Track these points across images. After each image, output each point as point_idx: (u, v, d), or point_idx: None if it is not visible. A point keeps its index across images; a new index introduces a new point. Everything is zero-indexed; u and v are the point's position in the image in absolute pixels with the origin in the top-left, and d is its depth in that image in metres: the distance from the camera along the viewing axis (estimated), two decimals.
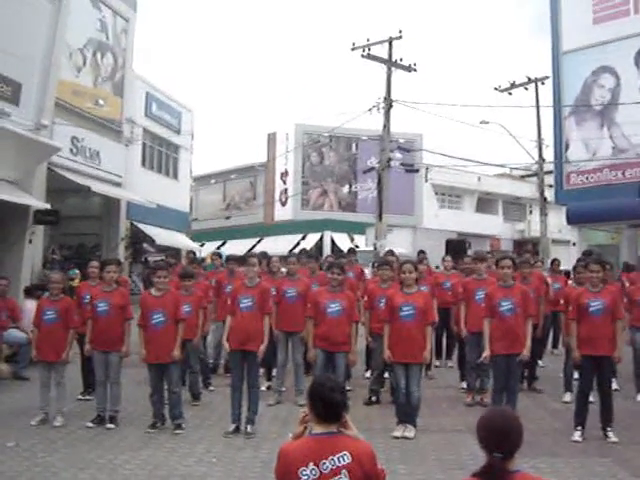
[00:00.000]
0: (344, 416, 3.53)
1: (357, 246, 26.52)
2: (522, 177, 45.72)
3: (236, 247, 33.13)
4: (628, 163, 25.45)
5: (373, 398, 10.39)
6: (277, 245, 34.27)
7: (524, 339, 8.57)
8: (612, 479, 6.98)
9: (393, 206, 30.24)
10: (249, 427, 8.59)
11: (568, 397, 10.34)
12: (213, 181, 51.63)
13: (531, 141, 31.49)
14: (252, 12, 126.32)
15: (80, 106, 23.07)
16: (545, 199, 30.98)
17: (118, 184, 25.63)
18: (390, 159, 27.28)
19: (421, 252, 14.36)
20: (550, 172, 30.16)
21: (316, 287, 10.53)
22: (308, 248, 29.10)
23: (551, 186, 30.00)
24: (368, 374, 11.76)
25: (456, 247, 26.40)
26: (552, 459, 7.46)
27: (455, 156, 31.65)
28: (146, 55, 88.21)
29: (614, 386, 9.54)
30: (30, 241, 17.88)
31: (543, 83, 30.50)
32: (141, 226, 28.44)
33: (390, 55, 27.12)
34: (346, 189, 45.48)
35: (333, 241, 39.18)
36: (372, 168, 31.58)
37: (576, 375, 9.61)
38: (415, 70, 27.65)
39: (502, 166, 41.42)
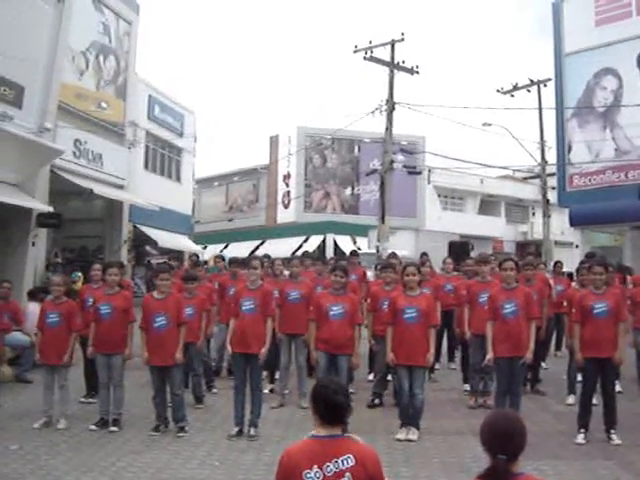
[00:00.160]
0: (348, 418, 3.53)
1: (359, 248, 26.46)
2: (525, 179, 45.70)
3: (239, 250, 33.19)
4: (631, 165, 25.40)
5: (376, 401, 10.38)
6: (280, 247, 34.31)
7: (527, 341, 8.56)
8: None
9: (396, 208, 30.21)
10: (252, 430, 8.59)
11: (571, 399, 10.33)
12: (216, 184, 51.67)
13: (534, 143, 31.50)
14: (255, 14, 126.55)
15: (83, 109, 23.10)
16: (548, 201, 30.96)
17: (121, 187, 25.64)
18: (392, 161, 27.27)
19: (424, 254, 14.34)
20: (553, 174, 30.13)
21: (320, 290, 10.52)
22: (311, 250, 29.16)
23: (554, 188, 29.97)
24: (371, 377, 11.76)
25: (459, 249, 26.37)
26: (555, 462, 7.44)
27: (458, 158, 31.70)
28: (149, 58, 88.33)
29: (617, 388, 9.52)
30: (33, 244, 17.91)
31: (545, 85, 30.49)
32: (144, 229, 28.47)
33: (392, 57, 27.11)
34: (348, 191, 45.46)
35: (336, 243, 39.18)
36: (374, 170, 31.59)
37: (579, 377, 9.59)
38: (417, 72, 27.65)
39: (505, 168, 41.51)
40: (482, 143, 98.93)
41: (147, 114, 29.99)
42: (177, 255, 23.00)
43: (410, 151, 33.01)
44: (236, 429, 8.61)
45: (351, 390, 9.53)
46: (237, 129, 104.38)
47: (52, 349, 9.17)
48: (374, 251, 26.63)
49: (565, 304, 10.47)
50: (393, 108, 26.71)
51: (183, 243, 32.30)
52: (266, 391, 10.42)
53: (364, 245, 30.85)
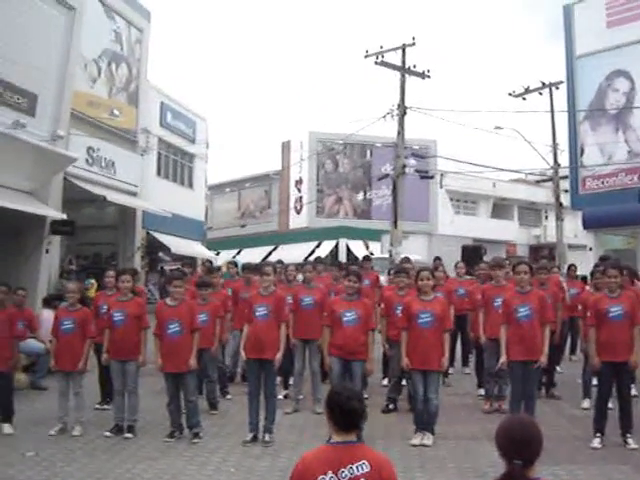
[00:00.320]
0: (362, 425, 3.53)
1: (372, 253, 26.49)
2: (537, 182, 45.61)
3: (251, 255, 33.17)
4: None
5: (391, 406, 10.37)
6: (292, 253, 34.27)
7: (541, 345, 8.52)
8: None
9: (408, 213, 30.16)
10: (267, 436, 8.59)
11: (587, 403, 10.27)
12: (228, 190, 51.75)
13: (546, 146, 31.35)
14: (266, 21, 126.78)
15: (95, 116, 23.21)
16: (561, 204, 30.83)
17: (134, 194, 25.75)
18: (404, 166, 27.23)
19: (437, 259, 14.32)
20: (565, 177, 30.05)
21: (332, 295, 10.51)
22: (323, 256, 29.17)
23: (566, 191, 29.89)
24: (385, 382, 11.74)
25: (472, 253, 26.24)
26: (571, 466, 7.41)
27: (470, 162, 31.50)
28: (161, 65, 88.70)
29: (633, 392, 9.46)
30: (47, 251, 17.98)
31: (557, 88, 30.37)
32: (157, 235, 28.55)
33: (404, 62, 27.08)
34: (361, 196, 45.43)
35: (348, 248, 39.14)
36: (387, 175, 31.54)
37: (594, 381, 9.55)
38: (429, 77, 27.60)
39: (517, 171, 41.19)
40: (494, 146, 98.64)
41: (159, 121, 30.09)
42: (190, 261, 23.02)
43: (422, 155, 32.97)
44: (251, 435, 8.61)
45: (365, 395, 9.52)
46: (249, 135, 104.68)
47: (67, 356, 9.20)
48: (387, 256, 26.58)
49: (580, 308, 10.42)
50: (405, 112, 26.66)
51: (196, 249, 32.36)
52: (280, 397, 10.43)
53: (377, 250, 30.80)
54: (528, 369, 8.49)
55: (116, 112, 24.80)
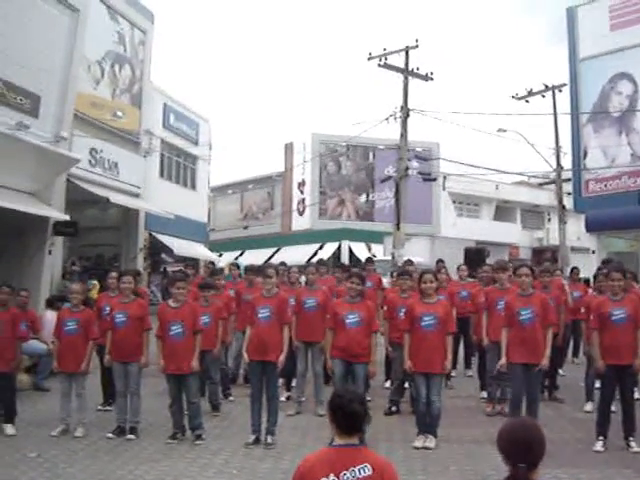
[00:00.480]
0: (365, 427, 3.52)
1: (375, 255, 26.43)
2: (540, 185, 45.55)
3: (254, 257, 33.24)
4: None
5: (393, 408, 10.36)
6: (295, 255, 34.29)
7: (544, 348, 8.50)
8: None
9: (411, 215, 30.14)
10: (269, 438, 8.58)
11: (589, 406, 10.25)
12: (231, 191, 51.79)
13: (549, 149, 31.34)
14: (269, 23, 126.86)
15: (99, 118, 23.25)
16: (564, 207, 30.81)
17: (136, 195, 25.79)
18: (407, 168, 27.22)
19: (440, 261, 14.32)
20: (568, 180, 30.02)
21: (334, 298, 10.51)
22: (326, 258, 29.13)
23: (569, 194, 29.87)
24: (388, 384, 11.74)
25: (475, 256, 26.35)
26: (573, 469, 7.39)
27: (473, 164, 31.57)
28: (164, 66, 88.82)
29: (636, 395, 9.44)
30: (49, 252, 18.00)
31: (560, 90, 30.35)
32: (159, 237, 28.58)
33: (407, 64, 27.09)
34: (363, 198, 45.44)
35: (351, 250, 39.13)
36: (389, 177, 31.55)
37: (597, 384, 9.53)
38: (432, 79, 27.60)
39: (520, 174, 41.31)
40: (497, 149, 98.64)
41: (162, 122, 30.14)
42: (193, 263, 23.03)
43: (425, 157, 32.96)
44: (253, 437, 8.60)
45: (368, 398, 9.51)
46: (252, 137, 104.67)
47: (70, 357, 9.21)
48: (389, 258, 26.58)
49: (582, 311, 10.40)
50: (408, 115, 26.66)
51: (199, 251, 32.39)
52: (283, 399, 10.42)
53: (379, 252, 30.79)
54: (530, 372, 8.47)
55: (119, 113, 24.84)
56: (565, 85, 29.53)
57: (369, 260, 14.65)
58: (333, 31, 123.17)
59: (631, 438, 8.21)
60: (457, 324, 10.53)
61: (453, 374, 12.92)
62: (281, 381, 10.61)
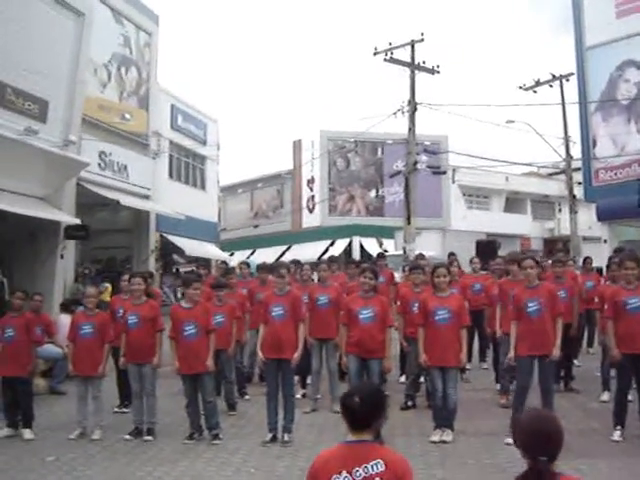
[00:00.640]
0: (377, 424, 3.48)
1: (386, 250, 26.40)
2: (550, 175, 45.44)
3: (265, 255, 33.20)
4: None
5: (409, 403, 10.34)
6: (306, 252, 34.30)
7: (554, 339, 8.43)
8: None
9: (421, 209, 30.11)
10: (286, 435, 8.59)
11: (606, 396, 10.20)
12: (240, 190, 51.84)
13: (558, 139, 31.28)
14: (275, 21, 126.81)
15: (107, 121, 23.31)
16: (574, 196, 30.73)
17: (146, 197, 25.86)
18: (416, 162, 27.21)
19: (451, 254, 14.30)
20: (578, 169, 29.93)
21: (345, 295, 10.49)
22: (337, 254, 29.14)
23: (579, 183, 29.76)
24: (403, 379, 11.72)
25: (486, 248, 26.17)
26: (592, 460, 7.35)
27: (482, 156, 31.48)
28: (170, 68, 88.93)
29: None
30: (62, 256, 18.06)
31: (568, 80, 30.28)
32: (170, 238, 28.62)
33: (413, 58, 27.07)
34: (373, 194, 45.40)
35: (362, 246, 39.12)
36: (399, 172, 31.52)
37: (612, 373, 9.48)
38: (438, 72, 27.58)
39: (529, 165, 41.16)
40: (506, 140, 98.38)
41: (170, 124, 30.17)
42: (205, 263, 23.06)
43: (434, 151, 32.92)
44: (270, 435, 8.62)
45: (386, 393, 9.48)
46: (260, 135, 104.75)
47: (86, 360, 9.25)
48: (401, 252, 26.57)
49: (596, 300, 10.36)
50: (415, 109, 26.65)
51: (210, 251, 32.42)
52: (298, 396, 10.40)
53: (391, 247, 30.80)
54: (542, 363, 8.42)
55: (127, 116, 24.90)
56: (572, 74, 29.43)
57: (381, 255, 14.61)
58: (338, 27, 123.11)
59: None
60: (471, 317, 10.51)
61: (468, 367, 12.89)
62: (296, 378, 10.60)
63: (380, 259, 13.91)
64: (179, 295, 23.35)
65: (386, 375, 10.02)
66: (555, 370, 11.05)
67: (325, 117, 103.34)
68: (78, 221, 18.31)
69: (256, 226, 48.68)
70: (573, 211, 30.63)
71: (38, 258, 17.60)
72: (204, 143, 33.40)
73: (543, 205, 52.73)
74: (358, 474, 3.31)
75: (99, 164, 22.36)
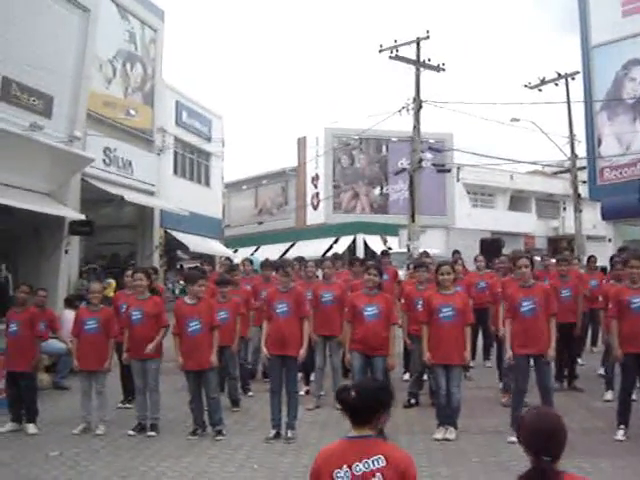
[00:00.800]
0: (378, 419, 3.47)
1: (390, 248, 26.38)
2: (555, 174, 45.34)
3: (269, 252, 33.23)
4: None
5: (412, 401, 10.34)
6: (310, 249, 34.31)
7: (548, 338, 8.42)
8: None
9: (425, 207, 30.10)
10: (290, 432, 8.60)
11: (609, 395, 10.20)
12: (245, 187, 51.82)
13: (563, 137, 31.20)
14: (280, 17, 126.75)
15: (112, 117, 23.33)
16: (579, 195, 30.68)
17: (151, 193, 25.88)
18: (421, 160, 27.19)
19: (456, 252, 14.30)
20: (583, 168, 29.88)
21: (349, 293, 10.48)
22: (341, 252, 29.13)
23: (584, 182, 29.72)
24: (406, 377, 11.71)
25: (491, 246, 26.14)
26: (595, 459, 7.35)
27: (486, 155, 31.53)
28: (175, 64, 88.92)
29: None
30: (66, 252, 18.06)
31: (573, 78, 30.20)
32: (175, 234, 28.65)
33: (418, 56, 27.03)
34: (377, 191, 45.37)
35: (366, 244, 39.10)
36: (403, 169, 31.50)
37: (601, 371, 9.43)
38: (444, 70, 27.53)
39: (534, 163, 41.02)
40: (511, 139, 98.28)
41: (175, 120, 30.18)
42: (209, 259, 23.07)
43: (438, 149, 32.88)
44: (273, 432, 8.63)
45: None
46: (265, 132, 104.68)
47: (91, 356, 9.27)
48: (405, 250, 26.54)
49: (600, 299, 10.34)
50: (420, 106, 26.62)
51: (214, 247, 32.45)
52: (302, 393, 10.42)
53: (395, 244, 30.77)
54: (538, 363, 8.38)
55: (132, 112, 24.91)
56: (578, 73, 29.36)
57: (385, 253, 14.61)
58: (344, 24, 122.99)
59: None
60: (475, 315, 10.50)
61: (472, 365, 12.90)
62: (300, 375, 10.61)
63: (384, 257, 13.90)
64: (177, 292, 23.39)
65: (390, 372, 10.01)
66: (558, 369, 11.10)
67: (330, 114, 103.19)
68: (83, 217, 18.32)
69: (260, 223, 48.71)
70: (578, 210, 30.57)
71: (43, 253, 17.60)
72: (209, 139, 33.40)
73: (548, 204, 52.68)
74: (358, 469, 3.31)
75: (104, 160, 22.39)
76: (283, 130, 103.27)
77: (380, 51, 27.09)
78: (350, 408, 3.42)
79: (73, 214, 17.95)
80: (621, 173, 26.57)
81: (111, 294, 14.62)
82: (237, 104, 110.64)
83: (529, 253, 12.09)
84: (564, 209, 49.38)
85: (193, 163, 33.18)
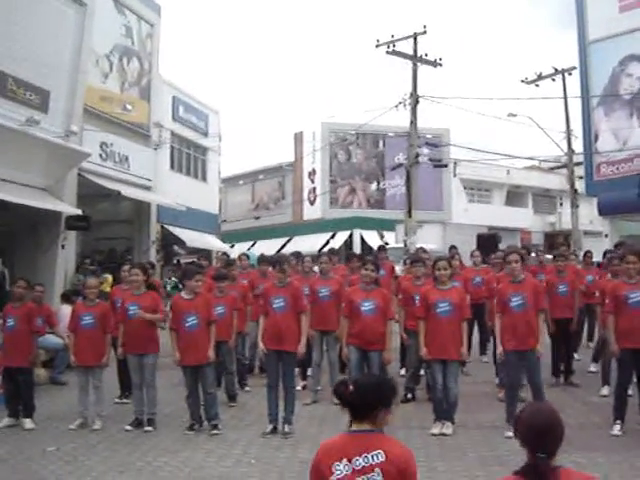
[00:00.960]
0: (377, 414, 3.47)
1: (387, 243, 26.39)
2: (551, 169, 45.41)
3: (266, 247, 33.22)
4: None
5: (409, 396, 10.34)
6: (307, 244, 34.28)
7: (537, 334, 8.41)
8: None
9: (422, 202, 30.14)
10: (287, 427, 8.61)
11: (605, 390, 10.20)
12: (241, 182, 51.79)
13: (560, 133, 31.25)
14: (277, 12, 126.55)
15: (108, 112, 23.27)
16: (575, 191, 30.71)
17: (148, 188, 25.85)
18: (418, 155, 27.19)
19: (452, 247, 14.29)
20: (580, 163, 29.91)
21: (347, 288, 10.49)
22: (337, 247, 29.12)
23: (581, 177, 29.75)
24: (403, 372, 11.72)
25: (487, 242, 26.21)
26: (592, 454, 7.36)
27: (483, 150, 31.53)
28: (172, 58, 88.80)
29: None
30: (63, 247, 18.05)
31: (570, 74, 30.23)
32: (171, 229, 28.61)
33: (415, 51, 27.04)
34: (374, 186, 45.37)
35: (363, 239, 39.09)
36: (400, 164, 31.52)
37: (593, 368, 9.42)
38: (441, 65, 27.56)
39: (531, 159, 41.13)
40: (508, 134, 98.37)
41: (172, 115, 30.11)
42: (205, 254, 23.06)
43: (435, 144, 32.94)
44: (270, 426, 8.64)
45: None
46: (261, 127, 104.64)
47: (87, 351, 9.27)
48: (402, 245, 26.57)
49: (597, 294, 10.36)
50: (417, 101, 26.64)
51: (211, 242, 32.42)
52: (299, 388, 10.41)
53: (391, 240, 30.78)
54: (528, 358, 8.37)
55: (128, 107, 24.85)
56: (575, 68, 29.41)
57: (382, 248, 14.61)
58: (340, 19, 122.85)
59: None
60: (471, 310, 10.51)
61: (469, 360, 12.92)
62: (297, 370, 10.61)
63: (381, 252, 13.90)
64: (168, 288, 23.35)
65: (386, 367, 10.02)
66: (554, 364, 11.14)
67: (326, 109, 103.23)
68: (79, 212, 18.30)
69: (257, 218, 48.68)
70: (574, 205, 30.62)
71: (39, 248, 17.60)
72: (205, 134, 33.33)
73: (544, 199, 52.75)
74: (358, 463, 3.31)
75: (100, 155, 22.35)
76: (280, 125, 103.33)
77: (377, 46, 27.11)
78: (347, 403, 3.42)
79: (70, 209, 17.93)
80: (618, 169, 26.59)
81: (108, 289, 14.62)
82: (234, 99, 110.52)
83: (526, 249, 12.11)
84: (561, 204, 49.42)
85: (190, 158, 33.13)
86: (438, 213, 42.37)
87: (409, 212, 26.61)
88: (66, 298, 13.83)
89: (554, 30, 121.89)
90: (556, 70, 30.66)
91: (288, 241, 41.00)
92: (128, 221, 27.45)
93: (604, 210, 27.25)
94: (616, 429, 8.18)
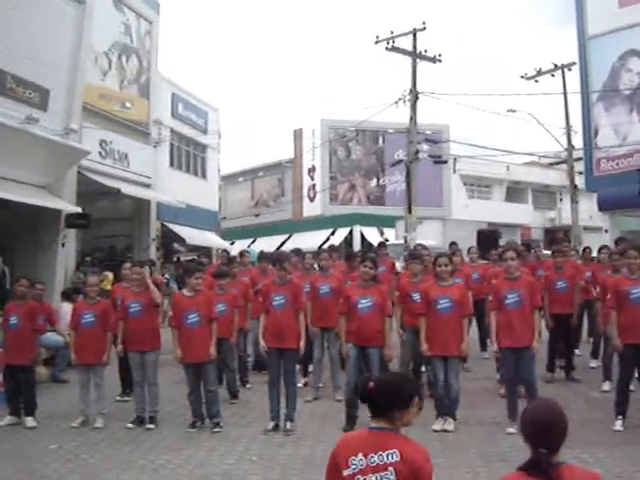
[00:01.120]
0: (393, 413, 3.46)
1: (387, 240, 26.38)
2: (551, 165, 45.40)
3: (266, 244, 33.25)
4: None
5: None
6: (307, 241, 34.28)
7: (533, 331, 8.39)
8: None
9: (422, 198, 30.11)
10: (288, 424, 8.61)
11: (607, 386, 10.20)
12: (241, 179, 51.75)
13: (559, 128, 31.24)
14: (276, 9, 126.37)
15: (107, 109, 23.24)
16: (575, 186, 30.70)
17: (147, 185, 25.81)
18: (418, 151, 27.20)
19: (453, 244, 14.28)
20: (580, 159, 29.88)
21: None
22: (337, 243, 29.11)
23: (581, 173, 29.73)
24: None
25: (487, 238, 26.21)
26: (594, 449, 7.37)
27: (483, 146, 31.56)
28: (171, 56, 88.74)
29: None
30: (63, 245, 18.05)
31: (570, 69, 30.20)
32: (171, 226, 28.59)
33: (415, 47, 27.03)
34: (374, 183, 45.33)
35: (363, 235, 39.11)
36: (400, 161, 31.56)
37: (593, 364, 9.41)
38: (440, 61, 27.56)
39: (531, 154, 41.10)
40: (507, 130, 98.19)
41: (171, 112, 30.05)
42: (206, 252, 23.07)
43: (435, 140, 32.89)
44: (272, 423, 8.64)
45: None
46: (261, 124, 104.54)
47: (89, 349, 9.27)
48: (402, 242, 26.57)
49: (597, 290, 10.36)
50: (417, 98, 26.63)
51: (211, 239, 32.42)
52: (300, 385, 10.42)
53: (391, 236, 30.79)
54: (522, 356, 8.35)
55: (128, 104, 24.83)
56: (574, 64, 29.35)
57: (381, 244, 14.61)
58: (340, 15, 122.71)
59: None
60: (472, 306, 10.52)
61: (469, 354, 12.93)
62: (298, 367, 10.61)
63: (381, 248, 13.90)
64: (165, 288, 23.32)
65: (387, 363, 10.02)
66: (550, 359, 11.16)
67: (326, 106, 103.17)
68: (79, 209, 18.28)
69: (257, 215, 48.65)
70: (574, 201, 30.62)
71: (39, 246, 17.59)
72: (205, 132, 33.29)
73: (544, 195, 52.73)
74: (372, 460, 3.32)
75: (100, 152, 22.31)
76: (279, 122, 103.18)
77: (376, 42, 27.10)
78: (366, 399, 3.44)
79: (69, 207, 17.92)
80: (618, 164, 26.55)
81: (108, 287, 14.61)
82: (233, 96, 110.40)
83: (527, 245, 12.11)
84: (560, 200, 49.39)
85: (189, 155, 33.09)
86: (438, 209, 42.30)
87: (409, 208, 26.62)
88: (66, 296, 13.85)
89: (554, 25, 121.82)
90: (556, 66, 30.64)
91: (288, 238, 41.01)
92: (128, 219, 27.43)
93: (604, 206, 27.22)
94: (618, 425, 8.19)
